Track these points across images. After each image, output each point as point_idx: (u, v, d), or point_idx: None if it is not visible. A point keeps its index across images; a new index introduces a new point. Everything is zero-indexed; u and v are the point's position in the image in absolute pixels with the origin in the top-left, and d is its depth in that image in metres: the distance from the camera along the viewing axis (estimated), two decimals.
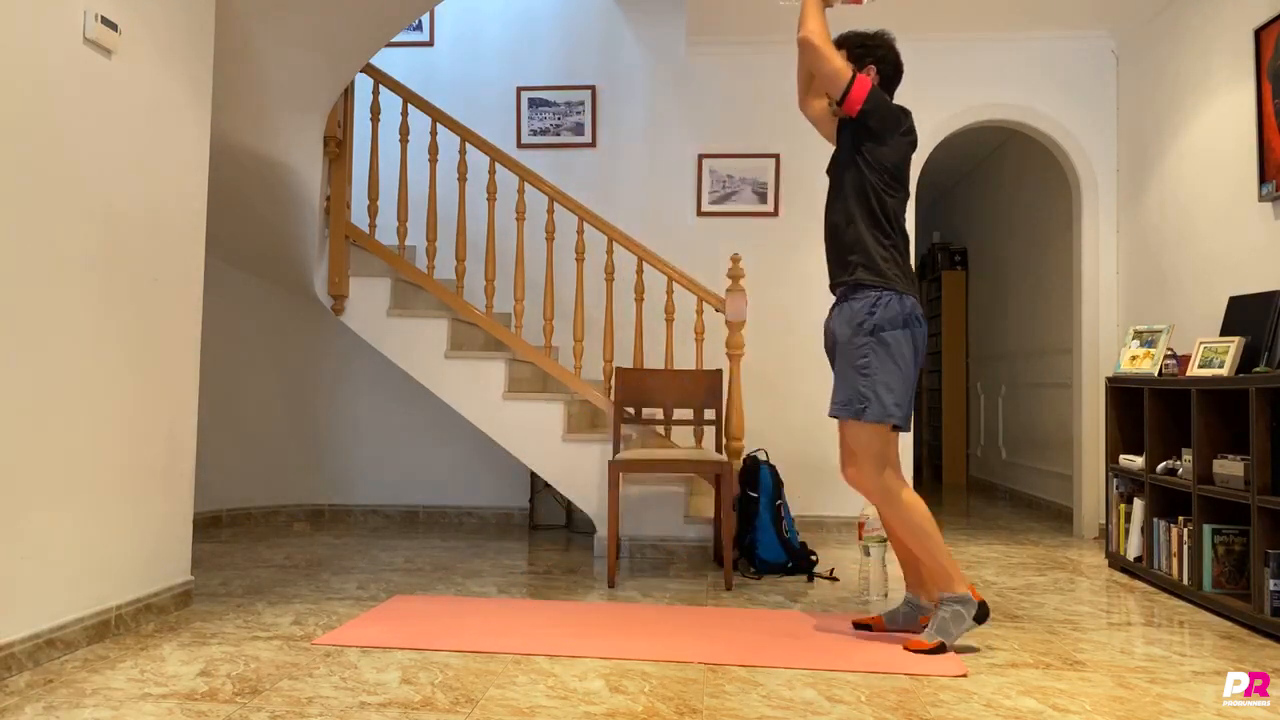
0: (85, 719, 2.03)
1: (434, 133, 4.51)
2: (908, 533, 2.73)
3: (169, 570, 2.98)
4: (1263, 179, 3.70)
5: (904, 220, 2.89)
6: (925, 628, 2.71)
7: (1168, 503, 3.62)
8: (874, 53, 2.90)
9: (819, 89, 2.97)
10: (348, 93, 4.41)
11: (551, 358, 4.47)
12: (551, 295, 4.46)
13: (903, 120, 2.86)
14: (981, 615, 2.66)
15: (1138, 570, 3.77)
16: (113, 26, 2.61)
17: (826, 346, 2.95)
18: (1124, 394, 4.01)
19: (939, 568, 2.69)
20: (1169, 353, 3.75)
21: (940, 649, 2.61)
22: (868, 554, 3.47)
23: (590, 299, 4.85)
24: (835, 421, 5.06)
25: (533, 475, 5.05)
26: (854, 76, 2.78)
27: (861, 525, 3.75)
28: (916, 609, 2.85)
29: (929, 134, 5.16)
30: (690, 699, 2.22)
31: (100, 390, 2.63)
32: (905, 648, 2.65)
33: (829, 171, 2.97)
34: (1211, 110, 4.15)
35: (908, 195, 2.92)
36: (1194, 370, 3.48)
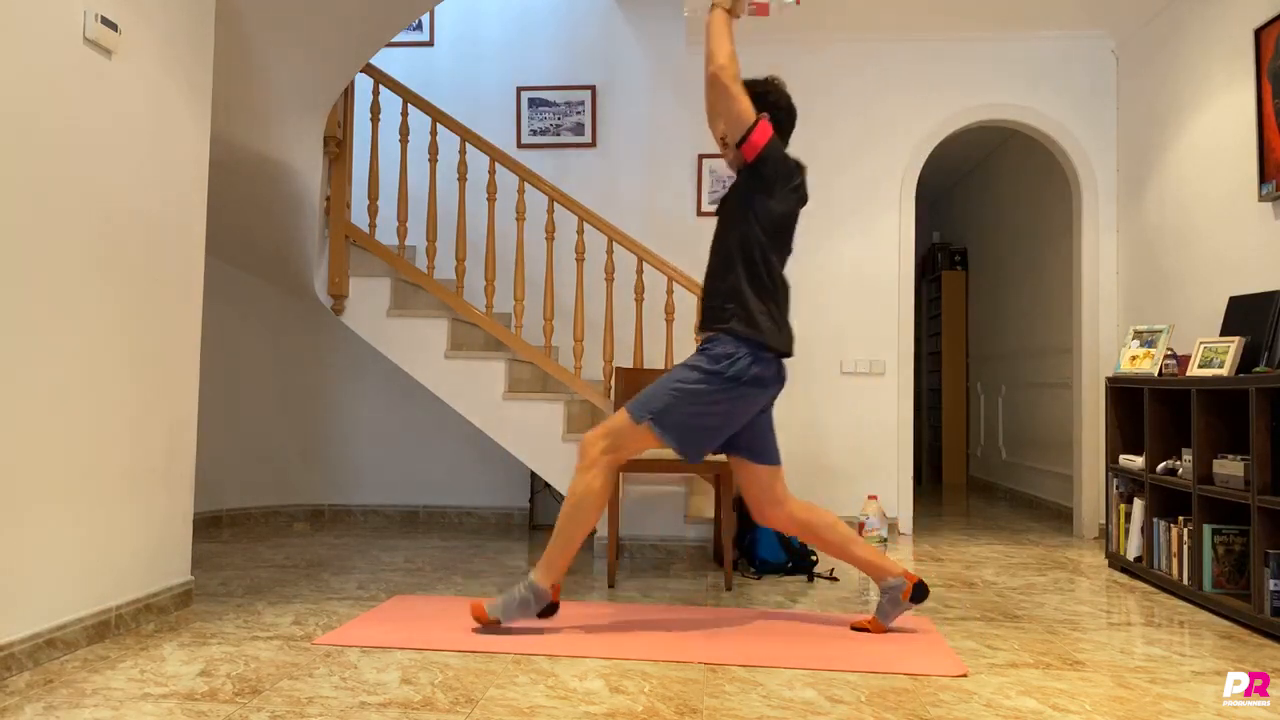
0: (85, 719, 2.03)
1: (434, 133, 4.51)
2: (565, 507, 2.78)
3: (169, 570, 2.98)
4: (1263, 179, 3.70)
5: (783, 273, 2.86)
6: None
7: (1168, 503, 3.62)
8: (767, 99, 2.86)
9: (717, 123, 2.89)
10: (348, 93, 4.41)
11: (551, 358, 4.48)
12: (551, 295, 4.46)
13: (794, 175, 2.84)
14: (547, 613, 2.77)
15: (1138, 570, 3.77)
16: (113, 26, 2.61)
17: None
18: (1124, 394, 4.01)
19: (550, 554, 2.77)
20: (1169, 353, 3.75)
21: (495, 624, 2.74)
22: None
23: (590, 299, 4.85)
24: (834, 422, 5.07)
25: (533, 475, 5.05)
26: (758, 121, 2.76)
27: (861, 526, 3.75)
28: (893, 590, 2.88)
29: (929, 134, 5.17)
30: (690, 699, 2.22)
31: (100, 390, 2.63)
32: (472, 615, 2.76)
33: (717, 210, 2.93)
34: (1211, 110, 4.15)
35: (789, 251, 2.90)
36: (1194, 370, 3.48)
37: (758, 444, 2.91)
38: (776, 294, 2.81)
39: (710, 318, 2.83)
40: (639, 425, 2.75)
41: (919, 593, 2.88)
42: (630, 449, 2.80)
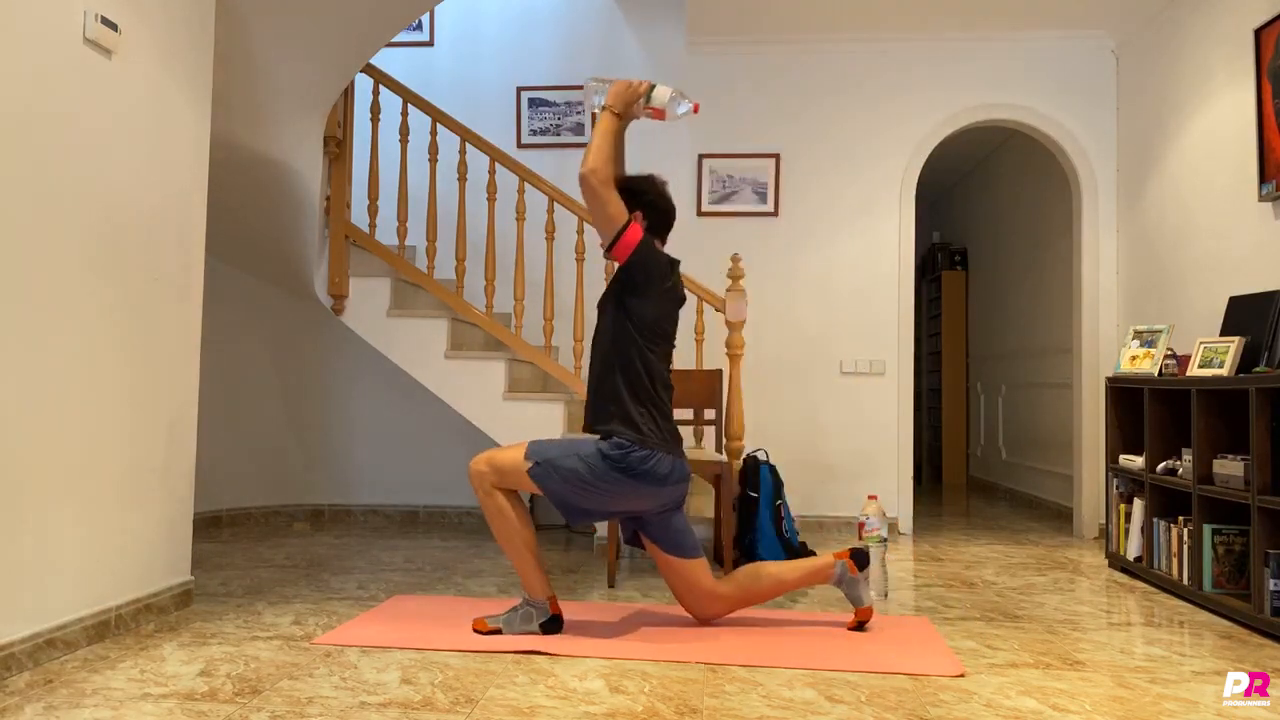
0: (85, 719, 2.03)
1: (434, 133, 4.51)
2: (497, 534, 2.80)
3: (169, 570, 2.98)
4: (1263, 179, 3.70)
5: (666, 373, 2.85)
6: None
7: (1168, 503, 3.62)
8: (642, 199, 2.84)
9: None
10: (348, 93, 4.41)
11: (551, 358, 4.48)
12: (551, 295, 4.46)
13: (668, 275, 2.82)
14: (550, 627, 2.76)
15: (1138, 570, 3.77)
16: (113, 26, 2.61)
17: None
18: (1124, 394, 4.01)
19: (522, 572, 2.79)
20: (1169, 353, 3.75)
21: (496, 633, 2.75)
22: None
23: (590, 299, 4.84)
24: (834, 422, 5.07)
25: None
26: (628, 223, 2.74)
27: (861, 526, 3.74)
28: (846, 579, 2.89)
29: (929, 134, 5.17)
30: (690, 699, 2.22)
31: (100, 390, 2.63)
32: (473, 627, 2.78)
33: (598, 305, 2.92)
34: (1211, 110, 4.15)
35: (672, 347, 2.89)
36: (1194, 370, 3.48)
37: (671, 538, 2.86)
38: (655, 396, 2.79)
39: (593, 417, 2.83)
40: (527, 466, 2.73)
41: (860, 559, 2.89)
42: (514, 485, 2.78)
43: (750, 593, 2.93)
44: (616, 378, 2.78)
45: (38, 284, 2.38)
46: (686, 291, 2.97)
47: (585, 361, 4.97)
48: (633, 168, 5.23)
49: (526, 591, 2.80)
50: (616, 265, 2.81)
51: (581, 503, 2.77)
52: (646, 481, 2.72)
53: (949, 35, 5.14)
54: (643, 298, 2.78)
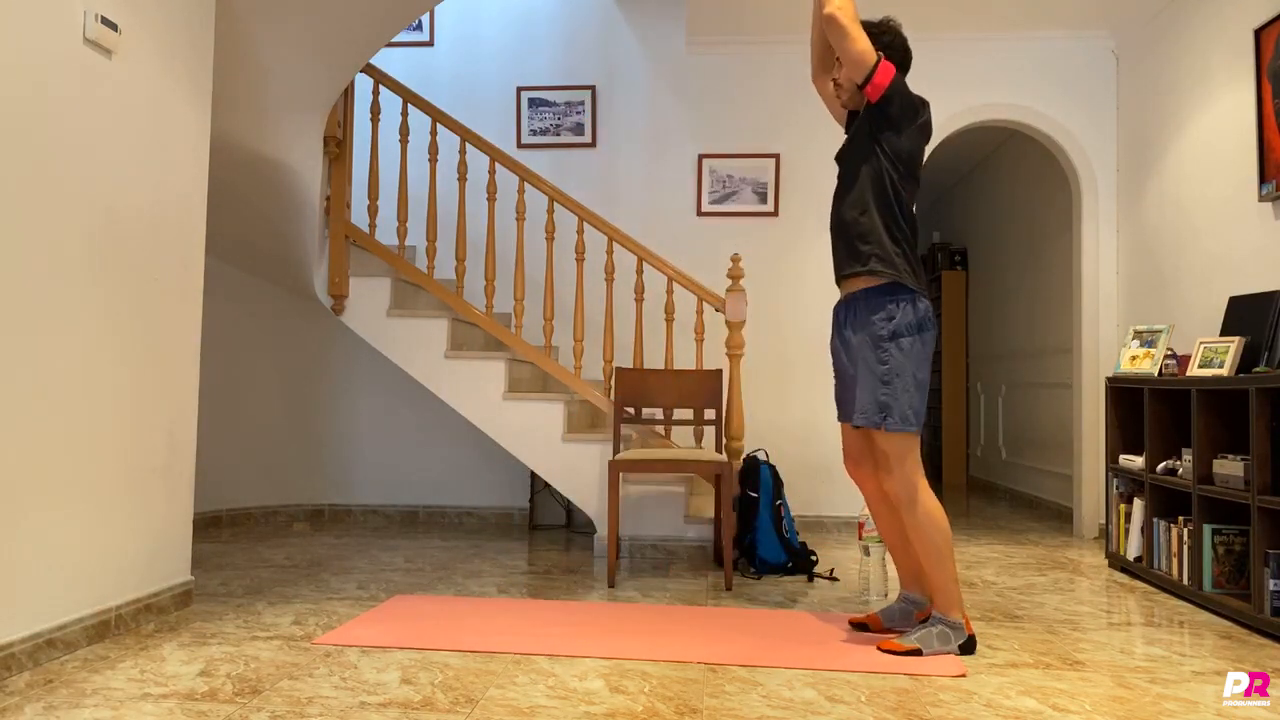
0: (85, 719, 2.03)
1: (434, 133, 4.51)
2: (921, 543, 2.67)
3: (169, 570, 2.98)
4: (1263, 179, 3.70)
5: (913, 211, 2.87)
6: (938, 642, 2.63)
7: (1168, 503, 3.62)
8: (881, 39, 2.85)
9: (837, 68, 2.89)
10: (348, 93, 4.41)
11: (551, 358, 4.47)
12: (551, 295, 4.46)
13: (921, 111, 2.84)
14: (968, 648, 2.63)
15: (1138, 570, 3.77)
16: (113, 26, 2.61)
17: (834, 348, 2.92)
18: (1124, 394, 4.01)
19: (943, 586, 2.65)
20: (1169, 353, 3.75)
21: (914, 653, 2.59)
22: (867, 554, 3.47)
23: (590, 299, 4.85)
24: (834, 421, 5.05)
25: (533, 475, 5.05)
26: (879, 61, 2.74)
27: (861, 525, 3.74)
28: (912, 605, 2.85)
29: None
30: (690, 699, 2.22)
31: (100, 390, 2.63)
32: (879, 647, 2.65)
33: (839, 159, 2.93)
34: (1211, 110, 4.15)
35: (918, 186, 2.90)
36: (1194, 370, 3.48)
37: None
38: (909, 232, 2.81)
39: (848, 258, 2.81)
40: (896, 434, 2.69)
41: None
42: (914, 456, 2.72)
43: (912, 523, 2.69)
44: (873, 214, 2.77)
45: (37, 284, 2.38)
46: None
47: (585, 361, 4.98)
48: (634, 166, 5.28)
49: (943, 609, 2.64)
50: (866, 105, 2.81)
51: (921, 398, 2.76)
52: (930, 328, 2.75)
53: (949, 35, 5.14)
54: (900, 133, 2.79)
